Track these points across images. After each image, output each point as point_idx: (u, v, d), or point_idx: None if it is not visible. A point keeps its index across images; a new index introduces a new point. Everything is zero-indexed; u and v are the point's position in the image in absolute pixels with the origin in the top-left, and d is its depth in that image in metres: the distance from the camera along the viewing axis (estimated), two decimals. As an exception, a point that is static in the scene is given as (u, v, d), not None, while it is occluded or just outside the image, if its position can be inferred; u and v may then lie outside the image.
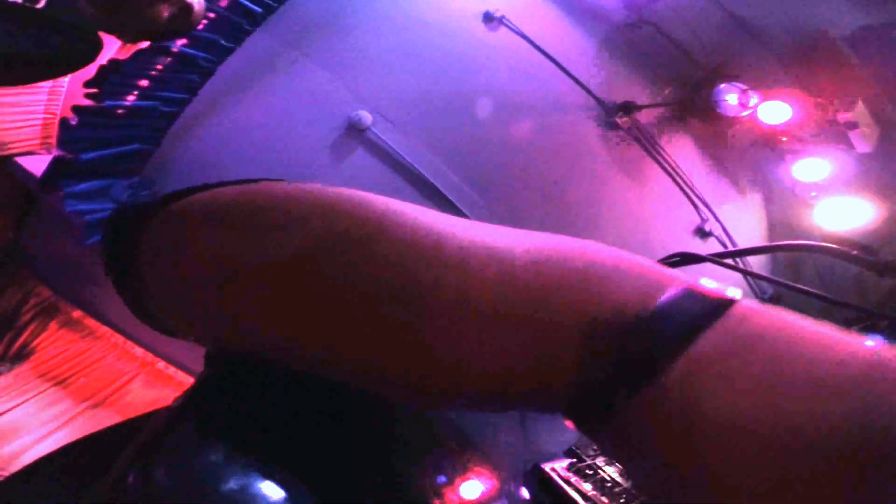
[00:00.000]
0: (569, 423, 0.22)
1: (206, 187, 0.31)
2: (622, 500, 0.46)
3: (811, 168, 2.31)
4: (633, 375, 0.20)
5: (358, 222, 0.25)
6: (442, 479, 0.30)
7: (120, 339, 2.66)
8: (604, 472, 0.48)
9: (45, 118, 2.11)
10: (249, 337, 0.27)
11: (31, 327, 2.51)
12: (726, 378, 0.18)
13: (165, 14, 1.22)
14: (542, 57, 2.39)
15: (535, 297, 0.22)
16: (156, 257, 0.30)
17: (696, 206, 2.70)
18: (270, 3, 2.06)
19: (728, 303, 0.21)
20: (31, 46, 1.09)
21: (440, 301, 0.23)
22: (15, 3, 1.03)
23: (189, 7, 1.26)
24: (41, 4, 1.07)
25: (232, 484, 0.22)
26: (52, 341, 2.55)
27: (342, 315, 0.24)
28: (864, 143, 2.08)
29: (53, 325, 2.55)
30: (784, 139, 2.28)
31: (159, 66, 2.02)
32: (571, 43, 2.48)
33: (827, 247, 0.52)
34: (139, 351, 2.70)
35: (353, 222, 0.25)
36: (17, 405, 2.34)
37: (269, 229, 0.27)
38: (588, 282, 0.22)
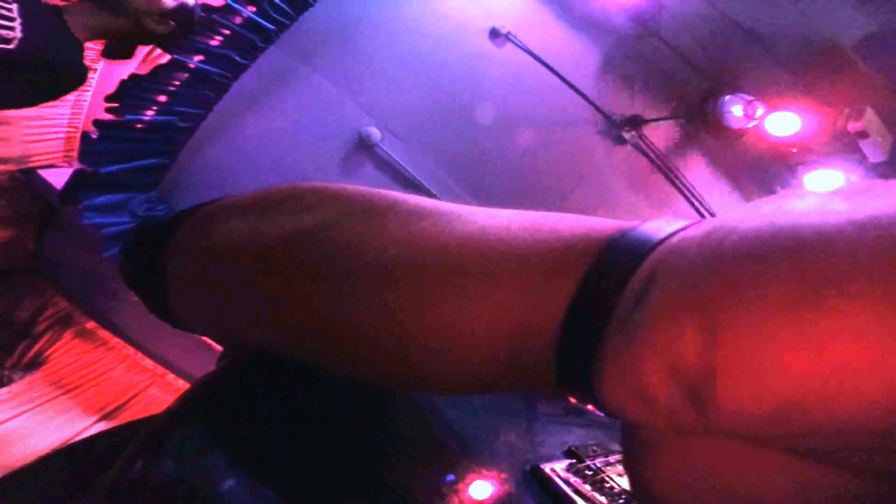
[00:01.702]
0: (569, 396, 0.22)
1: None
2: (621, 501, 0.44)
3: (823, 180, 2.26)
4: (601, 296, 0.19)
5: (371, 204, 0.27)
6: (443, 480, 0.30)
7: (131, 350, 2.70)
8: (603, 472, 0.47)
9: (67, 132, 2.20)
10: (268, 318, 0.28)
11: (47, 336, 2.56)
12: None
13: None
14: (548, 72, 2.43)
15: (528, 247, 0.23)
16: (182, 252, 0.32)
17: (707, 221, 2.66)
18: (283, 20, 2.14)
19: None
20: (5, 83, 1.14)
21: (445, 264, 0.23)
22: None
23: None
24: (12, 46, 1.10)
25: (234, 481, 0.22)
26: (66, 351, 2.59)
27: (357, 277, 0.25)
28: (876, 152, 2.04)
29: (68, 335, 2.61)
30: (794, 150, 2.25)
31: (176, 82, 2.10)
32: (578, 57, 2.51)
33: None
34: (149, 363, 2.73)
35: (366, 204, 0.27)
36: (28, 410, 2.37)
37: (289, 213, 0.28)
38: (572, 225, 0.23)
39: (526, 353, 0.22)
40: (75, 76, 1.31)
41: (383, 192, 0.28)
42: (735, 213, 0.18)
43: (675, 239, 0.19)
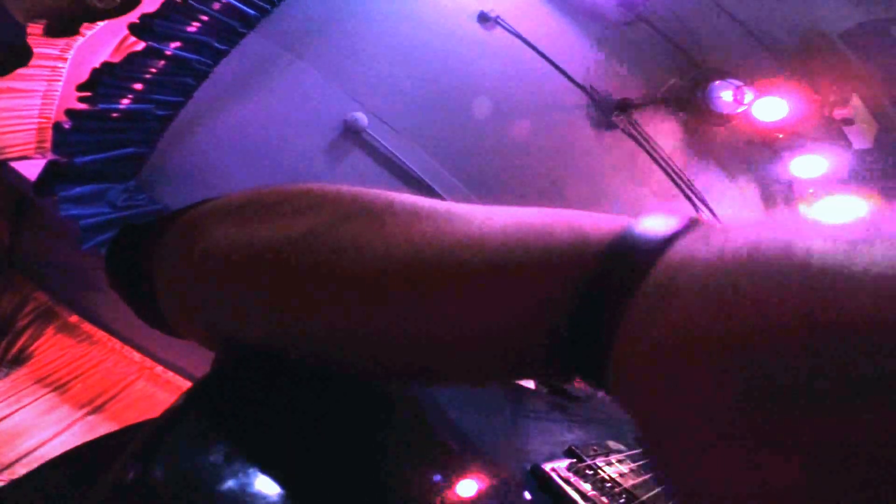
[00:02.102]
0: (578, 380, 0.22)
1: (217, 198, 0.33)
2: (622, 501, 0.45)
3: (808, 165, 2.31)
4: (612, 291, 0.20)
5: (367, 204, 0.27)
6: (442, 480, 0.30)
7: (117, 343, 2.66)
8: (604, 472, 0.47)
9: (39, 122, 2.11)
10: (264, 320, 0.28)
11: (28, 332, 2.51)
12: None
13: None
14: (537, 56, 2.40)
15: (529, 244, 0.23)
16: (173, 259, 0.31)
17: (694, 205, 2.70)
18: (264, 5, 2.05)
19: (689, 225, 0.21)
20: None
21: (446, 265, 0.24)
22: None
23: None
24: None
25: (231, 483, 0.22)
26: (50, 346, 2.54)
27: (360, 280, 0.25)
28: (861, 138, 2.08)
29: (50, 329, 2.55)
30: (780, 136, 2.28)
31: (153, 69, 2.02)
32: (567, 42, 2.48)
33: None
34: (137, 356, 2.69)
35: (362, 205, 0.27)
36: (16, 411, 2.34)
37: (284, 215, 0.28)
38: (567, 223, 0.24)
39: (531, 344, 0.22)
40: (17, 57, 1.27)
41: (379, 192, 0.28)
42: (749, 229, 0.18)
43: (685, 242, 0.19)
